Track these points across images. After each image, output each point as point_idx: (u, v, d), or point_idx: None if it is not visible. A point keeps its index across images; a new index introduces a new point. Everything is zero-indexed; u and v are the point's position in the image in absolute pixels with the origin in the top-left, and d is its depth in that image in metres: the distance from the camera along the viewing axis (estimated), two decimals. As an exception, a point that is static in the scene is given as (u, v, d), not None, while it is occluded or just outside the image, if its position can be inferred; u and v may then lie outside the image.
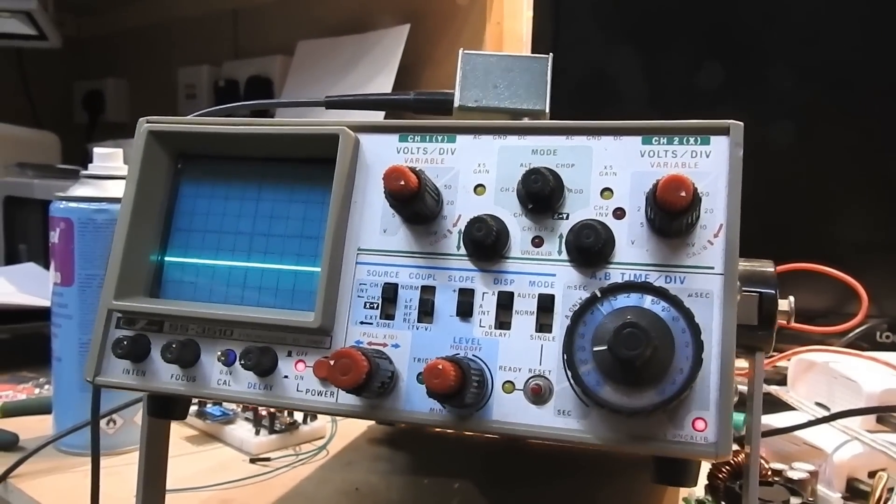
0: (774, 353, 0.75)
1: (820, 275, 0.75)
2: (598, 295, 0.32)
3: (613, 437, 0.33)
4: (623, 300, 0.32)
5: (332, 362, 0.33)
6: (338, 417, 0.73)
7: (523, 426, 0.34)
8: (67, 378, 0.64)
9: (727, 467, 0.56)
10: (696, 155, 0.34)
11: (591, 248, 0.33)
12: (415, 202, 0.35)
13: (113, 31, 2.02)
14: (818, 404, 0.65)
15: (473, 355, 0.35)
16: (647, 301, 0.31)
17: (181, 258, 0.41)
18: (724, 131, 0.34)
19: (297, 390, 0.37)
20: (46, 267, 1.08)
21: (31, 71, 1.99)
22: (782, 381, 0.73)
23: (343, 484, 0.58)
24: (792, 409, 0.66)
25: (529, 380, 0.34)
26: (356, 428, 0.71)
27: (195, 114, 0.43)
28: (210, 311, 0.39)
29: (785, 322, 0.38)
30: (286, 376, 0.37)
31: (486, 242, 0.35)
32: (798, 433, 0.61)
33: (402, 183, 0.34)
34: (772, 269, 0.38)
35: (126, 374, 0.39)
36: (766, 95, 0.89)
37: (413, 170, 0.35)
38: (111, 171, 0.66)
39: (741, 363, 0.51)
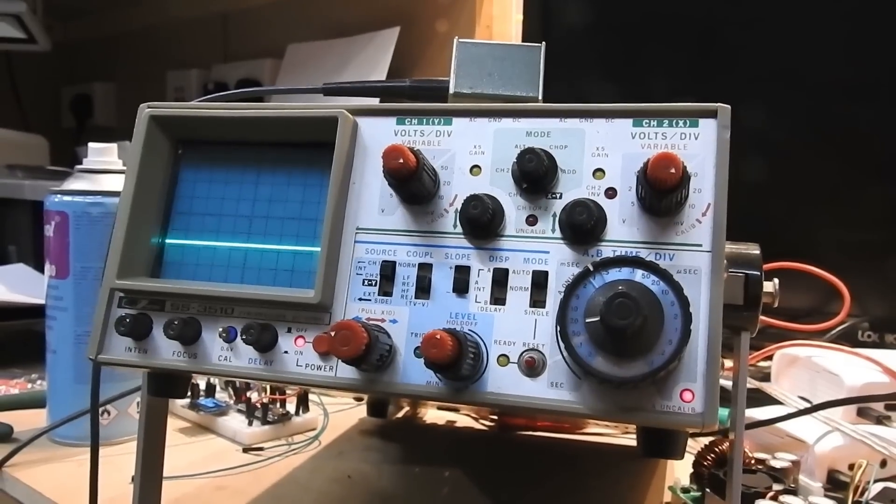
0: (755, 351, 0.77)
1: (804, 274, 0.77)
2: (591, 269, 0.33)
3: (604, 407, 0.34)
4: (615, 274, 0.33)
5: (332, 333, 0.34)
6: (330, 410, 0.74)
7: (517, 398, 0.35)
8: (62, 370, 0.65)
9: (712, 455, 0.57)
10: (686, 137, 0.36)
11: (583, 224, 0.35)
12: (413, 181, 0.36)
13: (101, 36, 2.02)
14: (801, 398, 0.67)
15: (469, 330, 0.36)
16: (638, 275, 0.33)
17: (182, 240, 0.42)
18: (712, 114, 0.35)
19: (297, 365, 0.38)
20: (36, 267, 1.08)
21: (20, 75, 1.99)
22: (766, 378, 0.75)
23: (335, 472, 0.59)
24: (776, 403, 0.67)
25: (523, 353, 0.35)
26: (348, 420, 0.71)
27: (196, 100, 0.43)
28: (211, 289, 0.39)
29: (770, 303, 0.39)
30: (286, 352, 0.38)
31: (482, 220, 0.36)
32: (781, 425, 0.62)
33: (401, 161, 0.35)
34: (757, 252, 0.39)
35: (128, 351, 0.40)
36: (749, 96, 0.91)
37: (411, 149, 0.36)
38: (105, 166, 0.67)
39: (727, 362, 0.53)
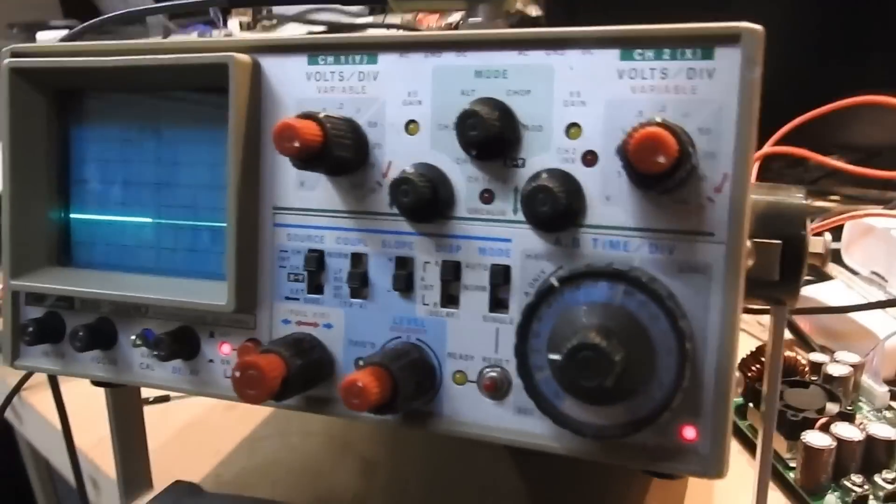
0: (819, 199, 0.68)
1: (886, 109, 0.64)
2: (556, 285, 0.24)
3: (583, 447, 0.26)
4: (588, 292, 0.24)
5: (237, 374, 0.27)
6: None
7: (479, 426, 0.28)
8: None
9: (758, 365, 0.50)
10: (694, 75, 0.25)
11: (547, 216, 0.25)
12: (323, 159, 0.27)
13: None
14: (874, 273, 0.57)
15: (417, 339, 0.29)
16: (619, 293, 0.24)
17: (86, 215, 0.35)
18: (734, 40, 0.24)
19: (226, 377, 0.32)
20: None
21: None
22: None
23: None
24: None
25: (483, 370, 0.28)
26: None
27: (62, 37, 0.34)
28: (118, 293, 0.32)
29: (818, 265, 0.30)
30: (211, 360, 0.32)
31: (418, 206, 0.27)
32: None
33: (297, 144, 0.26)
34: (801, 200, 0.29)
35: (46, 356, 0.35)
36: None
37: (312, 116, 0.27)
38: None
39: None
